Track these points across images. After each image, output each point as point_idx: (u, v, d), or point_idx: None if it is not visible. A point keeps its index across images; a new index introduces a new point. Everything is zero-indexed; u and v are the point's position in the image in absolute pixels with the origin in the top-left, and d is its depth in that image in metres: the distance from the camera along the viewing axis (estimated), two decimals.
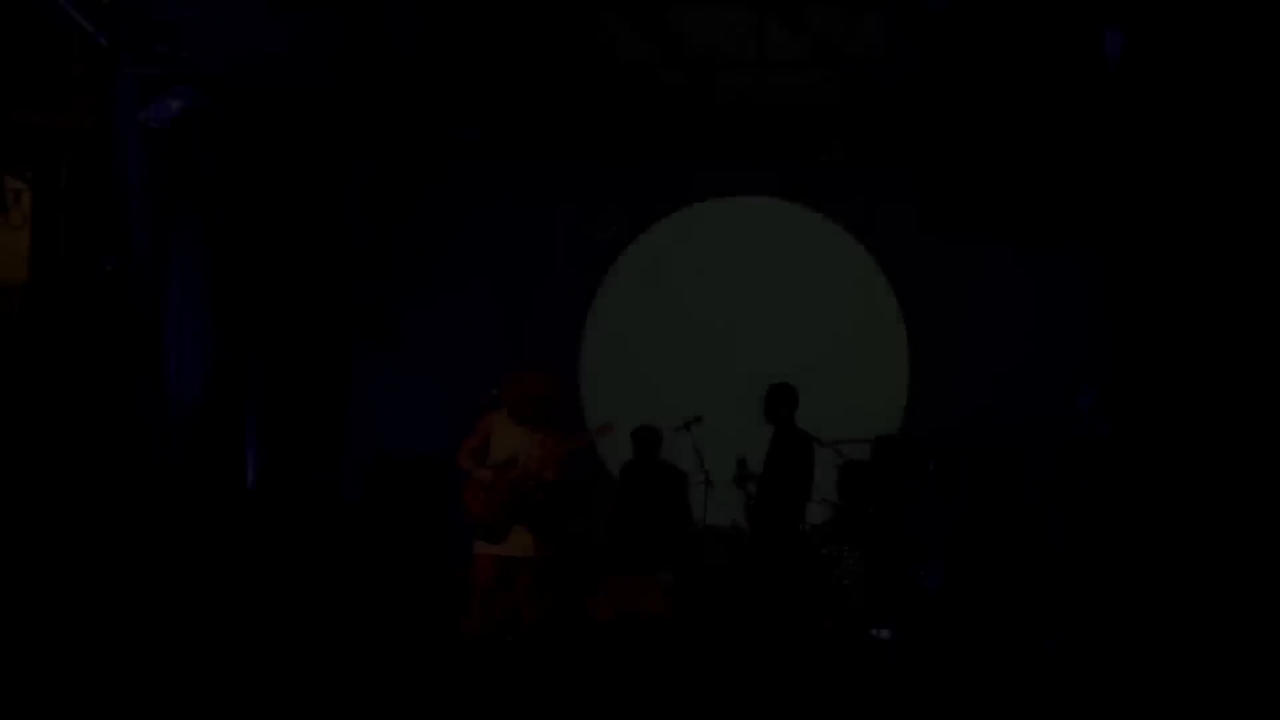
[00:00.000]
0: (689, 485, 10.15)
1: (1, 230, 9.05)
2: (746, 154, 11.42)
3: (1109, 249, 7.52)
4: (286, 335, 11.66)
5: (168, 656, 7.13)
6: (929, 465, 10.35)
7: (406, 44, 9.20)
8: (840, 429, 9.91)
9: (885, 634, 8.51)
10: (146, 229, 9.53)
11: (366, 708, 6.68)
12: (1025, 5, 6.94)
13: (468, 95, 9.57)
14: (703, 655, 8.12)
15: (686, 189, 11.91)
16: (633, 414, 10.71)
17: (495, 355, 9.53)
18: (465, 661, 7.29)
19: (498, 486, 8.78)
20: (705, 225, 12.06)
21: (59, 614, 6.87)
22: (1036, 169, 6.93)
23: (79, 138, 9.28)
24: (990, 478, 8.60)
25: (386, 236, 12.15)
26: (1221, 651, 7.10)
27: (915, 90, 7.20)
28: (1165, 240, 7.24)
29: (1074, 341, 10.35)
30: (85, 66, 9.24)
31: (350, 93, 10.49)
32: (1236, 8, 7.27)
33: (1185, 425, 7.30)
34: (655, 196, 11.82)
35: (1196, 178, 7.35)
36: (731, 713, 6.93)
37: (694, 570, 9.65)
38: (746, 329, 11.85)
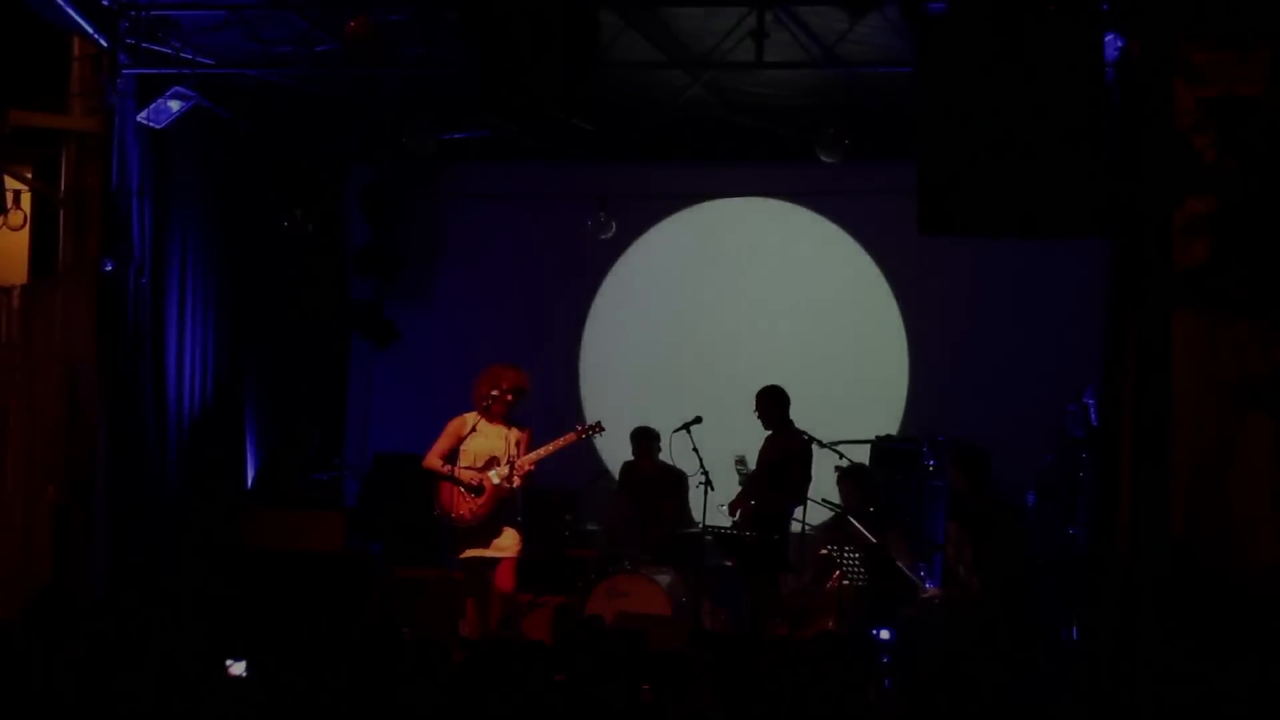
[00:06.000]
0: (688, 486, 10.14)
1: (1, 230, 9.06)
2: (746, 154, 11.42)
3: (1110, 246, 7.49)
4: (286, 336, 11.67)
5: (166, 656, 7.11)
6: (928, 464, 10.37)
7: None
8: (840, 429, 9.91)
9: (885, 634, 8.50)
10: (146, 229, 9.52)
11: (365, 709, 6.66)
12: (1026, 4, 6.93)
13: (467, 94, 9.55)
14: (702, 656, 8.10)
15: (687, 189, 11.90)
16: (632, 414, 10.72)
17: (495, 356, 9.51)
18: (464, 662, 7.27)
19: (485, 489, 8.80)
20: (705, 225, 12.06)
21: (60, 613, 6.87)
22: (1037, 168, 6.90)
23: (79, 138, 9.29)
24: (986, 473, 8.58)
25: (386, 236, 12.16)
26: (1220, 648, 7.10)
27: (915, 90, 7.17)
28: (1168, 237, 7.21)
29: (1075, 340, 10.35)
30: (85, 66, 9.24)
31: (350, 93, 10.49)
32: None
33: (1184, 423, 7.27)
34: (655, 196, 11.82)
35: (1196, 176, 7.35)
36: (731, 713, 6.92)
37: (694, 570, 9.65)
38: (746, 329, 11.84)
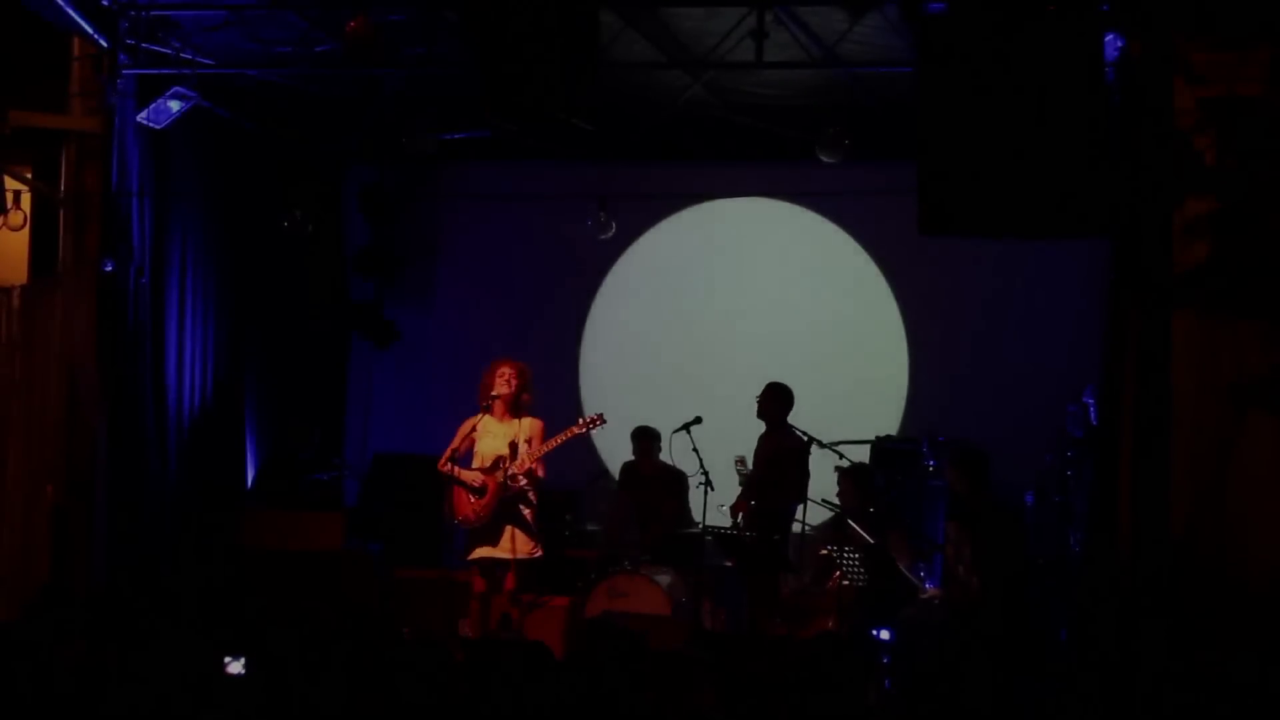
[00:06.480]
0: (688, 486, 10.14)
1: (1, 230, 9.06)
2: (746, 154, 11.41)
3: (1110, 246, 7.50)
4: (286, 335, 11.66)
5: (166, 656, 7.12)
6: (928, 464, 10.37)
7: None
8: (840, 429, 9.91)
9: (885, 634, 8.50)
10: (146, 229, 9.52)
11: (365, 709, 6.67)
12: (1025, 4, 6.93)
13: (467, 94, 9.56)
14: (702, 656, 8.11)
15: (686, 189, 11.90)
16: (632, 414, 10.71)
17: (495, 356, 9.51)
18: (465, 663, 7.27)
19: (489, 489, 8.80)
20: (705, 225, 12.05)
21: (60, 613, 6.88)
22: (1037, 168, 6.90)
23: (79, 138, 9.29)
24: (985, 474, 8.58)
25: (386, 237, 12.15)
26: (1220, 648, 7.10)
27: (915, 90, 7.17)
28: (1168, 237, 7.21)
29: (1075, 340, 10.36)
30: (85, 66, 9.24)
31: (349, 93, 10.49)
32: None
33: (1184, 423, 7.27)
34: (655, 196, 11.81)
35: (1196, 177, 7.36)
36: (731, 713, 6.92)
37: (694, 570, 9.65)
38: (746, 329, 11.84)
